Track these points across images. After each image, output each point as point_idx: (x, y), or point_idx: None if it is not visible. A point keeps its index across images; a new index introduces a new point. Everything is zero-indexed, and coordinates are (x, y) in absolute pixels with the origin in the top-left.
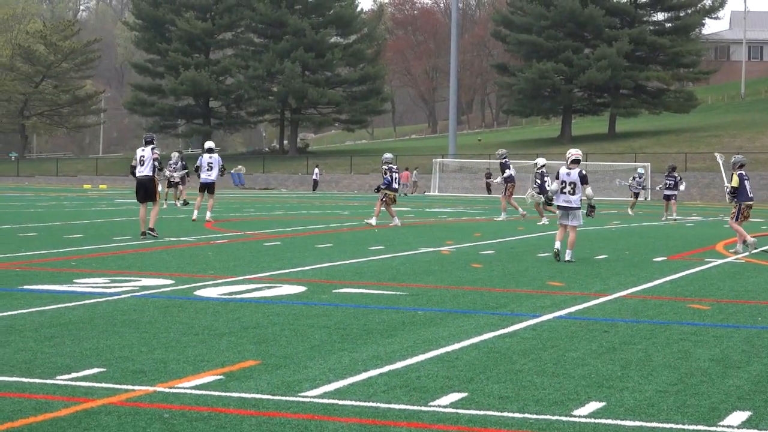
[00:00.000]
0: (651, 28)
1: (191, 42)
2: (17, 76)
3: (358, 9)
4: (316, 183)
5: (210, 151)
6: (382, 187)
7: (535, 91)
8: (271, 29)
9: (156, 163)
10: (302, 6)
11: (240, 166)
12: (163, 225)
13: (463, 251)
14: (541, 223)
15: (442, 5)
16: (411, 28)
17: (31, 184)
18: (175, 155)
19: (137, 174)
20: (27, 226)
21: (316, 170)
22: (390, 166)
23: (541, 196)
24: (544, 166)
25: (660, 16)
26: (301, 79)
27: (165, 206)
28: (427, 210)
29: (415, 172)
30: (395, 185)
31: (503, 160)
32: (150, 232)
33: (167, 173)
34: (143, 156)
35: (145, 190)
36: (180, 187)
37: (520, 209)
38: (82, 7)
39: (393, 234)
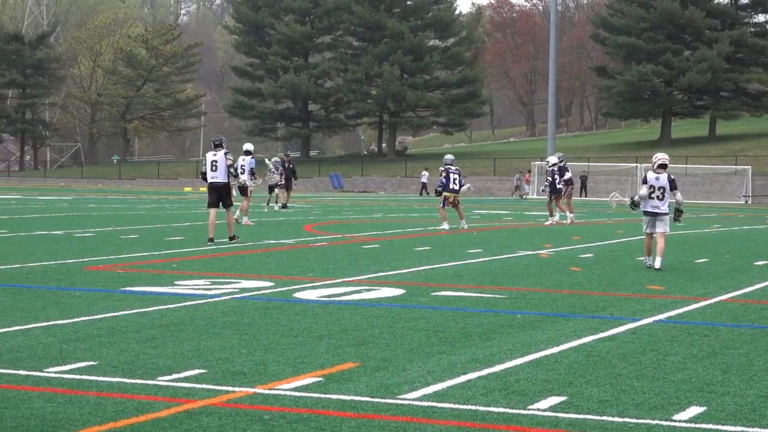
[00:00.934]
0: (752, 29)
1: (290, 45)
2: (119, 80)
3: (457, 12)
4: (424, 186)
5: (247, 153)
6: (439, 189)
7: (635, 94)
8: (370, 32)
9: (231, 170)
10: (401, 9)
11: (276, 158)
12: (262, 228)
13: (561, 254)
14: (548, 223)
15: (540, 8)
16: (509, 31)
17: (133, 186)
18: (275, 160)
19: (210, 179)
20: (129, 228)
21: (425, 173)
22: (448, 167)
23: (626, 199)
24: (555, 164)
25: (761, 17)
26: (399, 82)
27: (266, 209)
28: (526, 213)
29: (517, 175)
30: (453, 186)
31: (561, 163)
32: (231, 239)
33: (242, 179)
34: (215, 161)
35: (219, 196)
36: (277, 190)
37: (556, 216)
38: (182, 12)
39: (491, 237)
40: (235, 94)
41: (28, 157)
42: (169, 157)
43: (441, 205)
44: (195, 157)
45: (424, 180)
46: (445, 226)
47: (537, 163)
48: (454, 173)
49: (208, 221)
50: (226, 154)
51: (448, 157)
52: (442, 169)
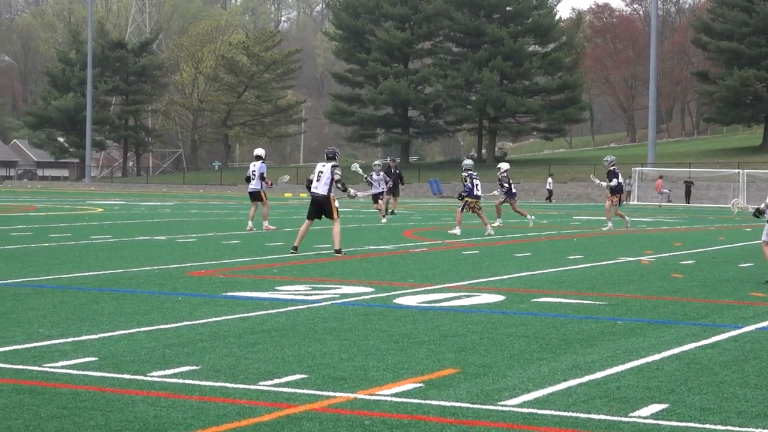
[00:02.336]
0: None
1: (390, 52)
2: (221, 86)
3: (557, 17)
4: (550, 193)
5: (258, 158)
6: (464, 194)
7: (737, 99)
8: (470, 38)
9: (338, 185)
10: (501, 15)
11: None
12: (362, 234)
13: (662, 261)
14: (496, 224)
15: (641, 13)
16: (610, 36)
17: (234, 192)
18: (375, 165)
19: (312, 189)
20: (230, 233)
21: (550, 180)
22: (470, 173)
23: (749, 206)
24: (507, 171)
25: None
26: (499, 87)
27: (384, 221)
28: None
29: (627, 180)
30: (477, 192)
31: (612, 168)
32: (337, 252)
33: (353, 193)
34: (321, 172)
35: (320, 208)
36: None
37: (609, 224)
38: (283, 18)
39: (592, 243)
40: (335, 101)
41: (130, 164)
42: (270, 163)
43: (460, 209)
44: (295, 163)
45: (549, 187)
46: (457, 231)
47: (637, 169)
48: (476, 179)
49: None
50: (334, 167)
51: (468, 162)
52: (465, 174)
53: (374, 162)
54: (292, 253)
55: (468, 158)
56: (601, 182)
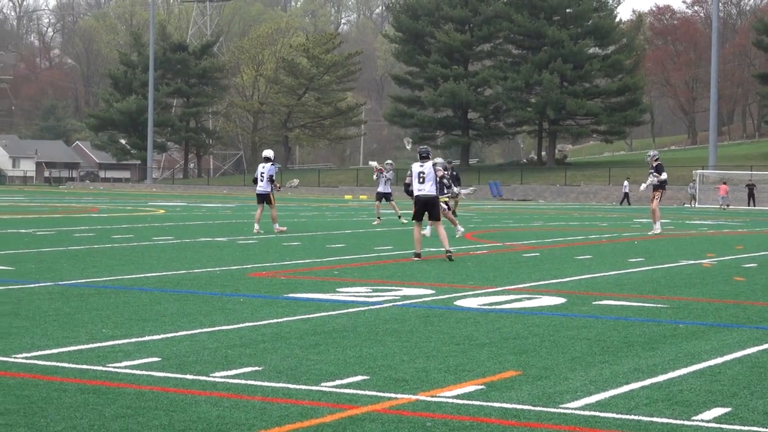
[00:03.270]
0: None
1: (450, 54)
2: (281, 88)
3: (617, 19)
4: (626, 196)
5: (267, 160)
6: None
7: None
8: (530, 40)
9: (445, 181)
10: (561, 17)
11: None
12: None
13: (724, 264)
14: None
15: (702, 14)
16: (670, 38)
17: (294, 194)
18: (388, 165)
19: (417, 191)
20: (291, 235)
21: (626, 183)
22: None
23: None
24: (446, 168)
25: None
26: (559, 90)
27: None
28: (687, 222)
29: (691, 183)
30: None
31: (657, 163)
32: (448, 254)
33: (455, 190)
34: (423, 172)
35: (430, 209)
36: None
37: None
38: (343, 21)
39: (653, 246)
40: (394, 103)
41: (191, 165)
42: (330, 165)
43: (449, 209)
44: (355, 165)
45: (626, 190)
46: (461, 228)
47: (698, 171)
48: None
49: (413, 236)
50: (434, 165)
51: (440, 160)
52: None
53: (387, 161)
54: (415, 259)
55: (440, 159)
56: (651, 181)
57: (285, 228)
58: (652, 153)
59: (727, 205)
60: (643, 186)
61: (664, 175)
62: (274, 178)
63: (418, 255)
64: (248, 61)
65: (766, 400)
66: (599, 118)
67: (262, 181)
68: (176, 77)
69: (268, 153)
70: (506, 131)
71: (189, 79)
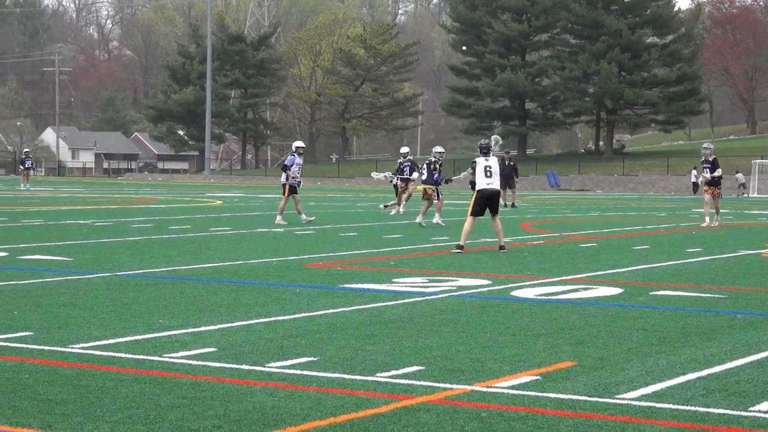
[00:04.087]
0: None
1: (507, 44)
2: (338, 79)
3: (676, 8)
4: (695, 185)
5: (296, 149)
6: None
7: None
8: (587, 30)
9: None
10: (618, 6)
11: (377, 173)
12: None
13: None
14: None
15: (761, 3)
16: (729, 27)
17: (351, 185)
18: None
19: (486, 185)
20: (348, 226)
21: (694, 172)
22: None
23: None
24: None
25: None
26: (617, 79)
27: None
28: (746, 212)
29: (740, 174)
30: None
31: (712, 157)
32: (501, 248)
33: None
34: (490, 167)
35: (493, 203)
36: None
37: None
38: (400, 11)
39: (711, 236)
40: (452, 93)
41: (249, 156)
42: (387, 155)
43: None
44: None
45: (693, 179)
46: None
47: (758, 161)
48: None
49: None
50: (436, 153)
51: (439, 149)
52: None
53: (403, 149)
54: (456, 251)
55: (404, 148)
56: (705, 176)
57: (286, 222)
58: (711, 146)
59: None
60: (701, 178)
61: (718, 172)
62: (289, 167)
63: (461, 247)
64: (305, 52)
65: None
66: (657, 108)
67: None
68: (234, 68)
69: (297, 143)
70: (564, 121)
71: (246, 71)
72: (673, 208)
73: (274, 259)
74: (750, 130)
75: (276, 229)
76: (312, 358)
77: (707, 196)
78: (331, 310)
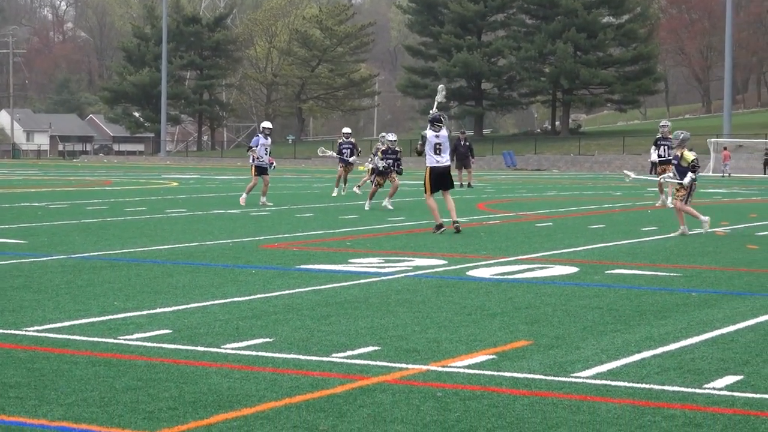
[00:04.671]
0: None
1: (463, 24)
2: (294, 60)
3: None
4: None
5: (264, 130)
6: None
7: None
8: (543, 10)
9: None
10: None
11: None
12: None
13: (738, 232)
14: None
15: None
16: (685, 7)
17: (308, 166)
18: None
19: (436, 163)
20: (304, 207)
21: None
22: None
23: None
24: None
25: None
26: (573, 59)
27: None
28: (701, 191)
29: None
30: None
31: (671, 135)
32: (456, 225)
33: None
34: (439, 143)
35: (444, 180)
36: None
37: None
38: None
39: (666, 215)
40: (408, 74)
41: (205, 138)
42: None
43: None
44: (369, 136)
45: (653, 159)
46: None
47: (713, 140)
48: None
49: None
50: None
51: (391, 137)
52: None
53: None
54: (439, 231)
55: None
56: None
57: (244, 205)
58: (669, 124)
59: (728, 174)
60: (656, 157)
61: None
62: (253, 148)
63: (440, 226)
64: (261, 33)
65: None
66: (613, 88)
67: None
68: (189, 50)
69: (263, 123)
70: (520, 101)
71: (202, 52)
72: (628, 187)
73: (229, 241)
74: (705, 109)
75: (232, 211)
76: (267, 339)
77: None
78: (287, 291)
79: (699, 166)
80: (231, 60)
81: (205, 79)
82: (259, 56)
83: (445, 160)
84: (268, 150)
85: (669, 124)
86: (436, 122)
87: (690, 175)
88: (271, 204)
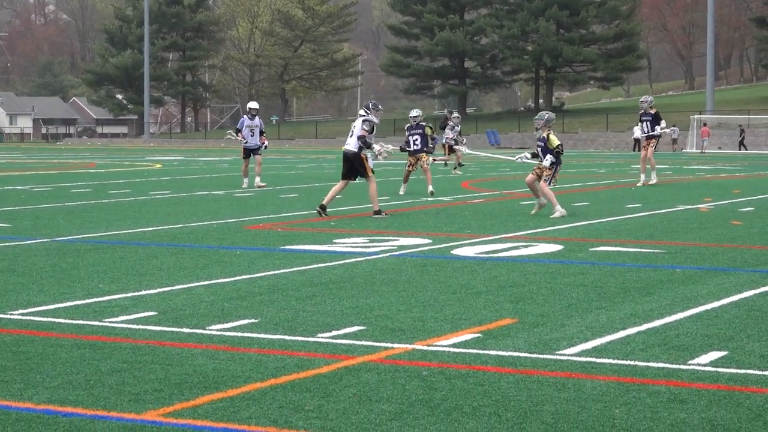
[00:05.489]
0: None
1: (446, 3)
2: (277, 41)
3: None
4: (675, 141)
5: (250, 111)
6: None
7: None
8: None
9: (360, 141)
10: None
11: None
12: (419, 185)
13: (721, 208)
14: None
15: None
16: None
17: (292, 146)
18: (455, 118)
19: (345, 146)
20: (288, 187)
21: (675, 128)
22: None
23: None
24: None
25: None
26: (555, 37)
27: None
28: (685, 167)
29: (674, 128)
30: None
31: (653, 110)
32: (376, 213)
33: (377, 149)
34: (355, 126)
35: (351, 166)
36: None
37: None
38: None
39: (650, 192)
40: (391, 53)
41: (189, 119)
42: (327, 116)
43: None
44: (352, 116)
45: (635, 136)
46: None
47: (696, 116)
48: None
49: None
50: (364, 121)
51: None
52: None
53: (453, 114)
54: (318, 212)
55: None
56: (660, 130)
57: (265, 185)
58: (649, 99)
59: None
60: (640, 134)
61: (661, 126)
62: (240, 130)
63: (322, 208)
64: (243, 14)
65: (762, 342)
66: (596, 65)
67: (252, 135)
68: (172, 31)
69: (249, 104)
70: (503, 80)
71: (185, 33)
72: (612, 164)
73: (214, 222)
74: (688, 86)
75: (216, 192)
76: (253, 320)
77: (644, 152)
78: (272, 272)
79: (563, 153)
80: (213, 41)
81: (187, 60)
82: (241, 37)
83: (349, 144)
84: (256, 130)
85: (651, 98)
86: (365, 107)
87: (549, 157)
88: (265, 185)
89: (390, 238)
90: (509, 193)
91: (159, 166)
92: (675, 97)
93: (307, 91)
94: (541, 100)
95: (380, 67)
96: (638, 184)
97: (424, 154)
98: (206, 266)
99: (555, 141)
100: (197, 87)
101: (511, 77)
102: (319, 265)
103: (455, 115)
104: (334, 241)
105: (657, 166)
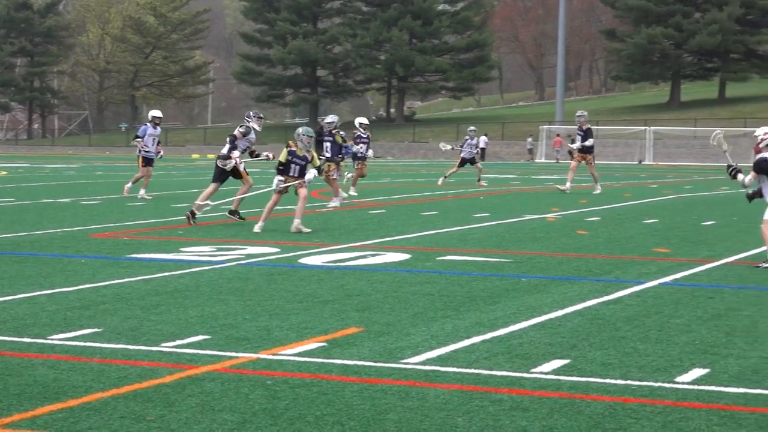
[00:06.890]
0: None
1: (299, 11)
2: (127, 47)
3: None
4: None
5: (153, 120)
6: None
7: (644, 57)
8: None
9: (232, 140)
10: None
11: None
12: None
13: (568, 218)
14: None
15: None
16: None
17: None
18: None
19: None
20: (136, 195)
21: (530, 140)
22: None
23: (725, 143)
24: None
25: None
26: (408, 47)
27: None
28: (533, 177)
29: (529, 139)
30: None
31: (586, 126)
32: (231, 214)
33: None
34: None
35: (222, 170)
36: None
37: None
38: None
39: (498, 201)
40: (243, 61)
41: (36, 126)
42: (177, 124)
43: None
44: (203, 124)
45: (529, 147)
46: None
47: (545, 127)
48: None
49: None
50: (242, 125)
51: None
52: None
53: (470, 128)
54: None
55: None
56: (573, 145)
57: (150, 197)
58: (584, 114)
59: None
60: (574, 146)
61: (590, 141)
62: (141, 138)
63: (234, 213)
64: (94, 20)
65: (603, 351)
66: (448, 75)
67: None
68: (20, 36)
69: (152, 112)
70: (355, 89)
71: (33, 38)
72: (461, 174)
73: (58, 230)
74: (538, 96)
75: (62, 200)
76: (96, 330)
77: (574, 163)
78: (117, 281)
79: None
80: (63, 47)
81: (36, 66)
82: (91, 43)
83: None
84: (156, 140)
85: (585, 113)
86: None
87: (313, 171)
88: (150, 197)
89: (238, 246)
90: (358, 202)
91: (4, 173)
92: (525, 108)
93: (158, 98)
94: (392, 110)
95: (232, 74)
96: (567, 192)
97: (333, 163)
98: (49, 275)
99: (316, 161)
100: (45, 93)
101: (363, 86)
102: (165, 274)
103: (472, 128)
104: (181, 249)
105: (506, 177)
